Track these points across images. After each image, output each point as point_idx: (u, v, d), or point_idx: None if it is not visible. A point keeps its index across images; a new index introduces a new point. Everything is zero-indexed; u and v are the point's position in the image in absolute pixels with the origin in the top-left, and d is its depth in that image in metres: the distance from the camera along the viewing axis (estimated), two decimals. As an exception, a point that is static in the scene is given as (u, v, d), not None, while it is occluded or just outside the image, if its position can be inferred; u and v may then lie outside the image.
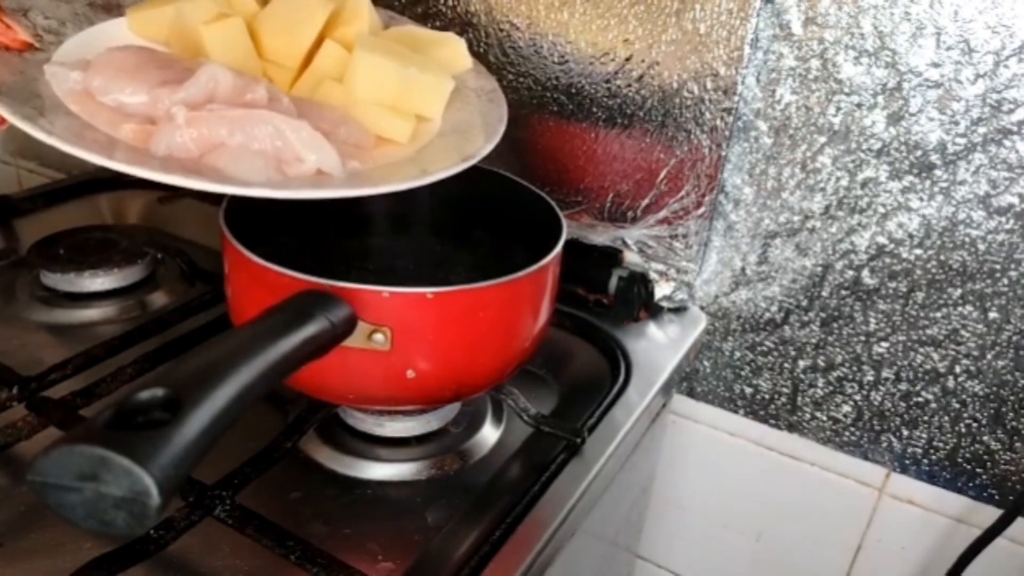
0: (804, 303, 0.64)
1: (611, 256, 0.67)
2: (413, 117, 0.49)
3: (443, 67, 0.52)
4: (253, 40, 0.48)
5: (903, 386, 0.63)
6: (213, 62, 0.43)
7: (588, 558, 0.60)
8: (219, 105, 0.40)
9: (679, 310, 0.68)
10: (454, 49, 0.55)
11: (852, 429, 0.67)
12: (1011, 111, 0.52)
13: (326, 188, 0.40)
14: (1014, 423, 0.60)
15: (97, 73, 0.43)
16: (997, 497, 0.62)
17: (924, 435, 0.64)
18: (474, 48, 0.67)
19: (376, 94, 0.48)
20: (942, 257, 0.58)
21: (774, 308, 0.66)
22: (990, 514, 0.60)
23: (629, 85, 0.62)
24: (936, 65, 0.53)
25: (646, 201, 0.65)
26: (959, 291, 0.58)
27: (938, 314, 0.59)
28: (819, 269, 0.63)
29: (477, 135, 0.50)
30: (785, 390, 0.68)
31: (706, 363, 0.71)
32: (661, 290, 0.67)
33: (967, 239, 0.56)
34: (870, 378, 0.64)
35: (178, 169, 0.38)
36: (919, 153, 0.56)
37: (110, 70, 0.43)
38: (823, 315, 0.64)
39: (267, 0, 0.50)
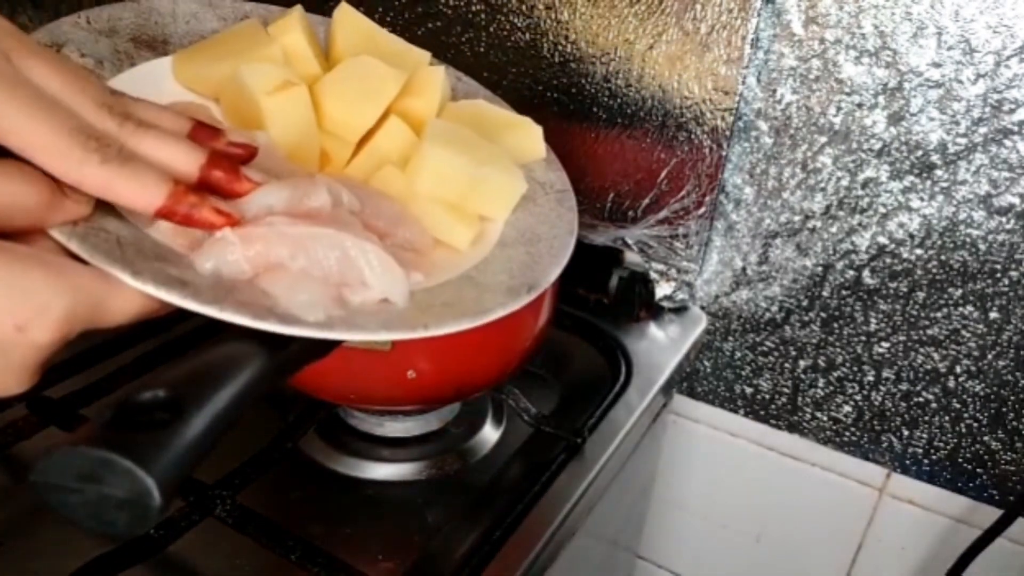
0: (805, 303, 0.64)
1: (611, 256, 0.67)
2: (477, 219, 0.43)
3: (514, 155, 0.46)
4: (315, 108, 0.42)
5: (904, 386, 0.63)
6: (275, 141, 0.38)
7: (588, 558, 0.60)
8: (279, 218, 0.34)
9: (680, 310, 0.68)
10: (529, 135, 0.49)
11: (853, 429, 0.67)
12: (1012, 111, 0.52)
13: (392, 330, 0.35)
14: (1014, 423, 0.60)
15: None
16: (997, 497, 0.62)
17: (925, 435, 0.64)
18: (474, 48, 0.67)
19: (441, 192, 0.41)
20: (943, 257, 0.58)
21: (775, 308, 0.66)
22: (990, 514, 0.60)
23: (629, 85, 0.62)
24: (937, 65, 0.53)
25: (646, 201, 0.65)
26: (960, 291, 0.58)
27: (939, 314, 0.59)
28: (820, 269, 0.63)
29: (543, 252, 0.43)
30: (786, 390, 0.68)
31: (706, 363, 0.71)
32: (662, 290, 0.67)
33: (968, 239, 0.56)
34: (871, 378, 0.64)
35: (225, 291, 0.32)
36: (920, 153, 0.56)
37: None
38: (824, 315, 0.64)
39: (332, 63, 0.45)
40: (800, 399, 0.68)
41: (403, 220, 0.40)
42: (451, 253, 0.42)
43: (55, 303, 0.26)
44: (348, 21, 0.46)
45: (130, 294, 0.29)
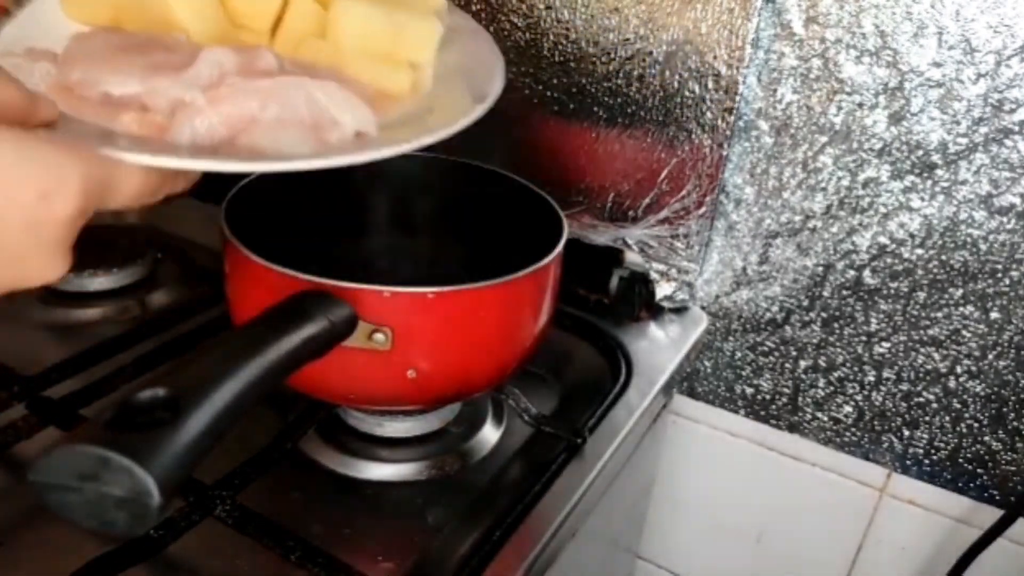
0: (805, 303, 0.64)
1: (612, 256, 0.67)
2: (408, 66, 0.45)
3: (419, 7, 0.48)
4: (222, 6, 0.43)
5: (904, 386, 0.63)
6: (196, 41, 0.39)
7: (589, 558, 0.60)
8: (239, 79, 0.36)
9: (680, 310, 0.68)
10: None
11: (853, 429, 0.66)
12: (1012, 111, 0.52)
13: (377, 148, 0.37)
14: (1015, 423, 0.60)
15: (72, 65, 0.38)
16: (998, 497, 0.62)
17: (925, 435, 0.64)
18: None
19: (366, 46, 0.44)
20: (943, 257, 0.58)
21: (775, 308, 0.66)
22: (991, 514, 0.60)
23: (630, 85, 0.62)
24: (938, 65, 0.53)
25: (647, 201, 0.65)
26: (960, 291, 0.58)
27: (939, 314, 0.59)
28: (820, 269, 0.63)
29: (480, 77, 0.45)
30: (786, 390, 0.68)
31: (707, 363, 0.71)
32: (662, 290, 0.67)
33: (968, 239, 0.56)
34: (871, 378, 0.64)
35: (211, 154, 0.34)
36: (920, 153, 0.56)
37: (86, 60, 0.38)
38: (824, 315, 0.64)
39: None
40: (801, 399, 0.68)
41: (343, 80, 0.41)
42: (397, 104, 0.44)
43: (72, 173, 0.28)
44: None
45: (131, 169, 0.31)
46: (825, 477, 0.69)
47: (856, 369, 0.64)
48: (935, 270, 0.58)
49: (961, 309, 0.58)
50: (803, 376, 0.67)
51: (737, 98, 0.58)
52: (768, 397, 0.69)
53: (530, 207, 0.57)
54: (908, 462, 0.65)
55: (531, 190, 0.57)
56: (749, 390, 0.70)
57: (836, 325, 0.64)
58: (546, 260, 0.48)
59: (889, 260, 0.60)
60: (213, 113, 0.35)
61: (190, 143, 0.35)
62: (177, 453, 0.26)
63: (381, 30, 0.44)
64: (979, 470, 0.62)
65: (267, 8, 0.45)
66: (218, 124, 0.35)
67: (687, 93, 0.60)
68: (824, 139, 0.59)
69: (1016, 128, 0.53)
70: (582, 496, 0.48)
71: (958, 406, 0.61)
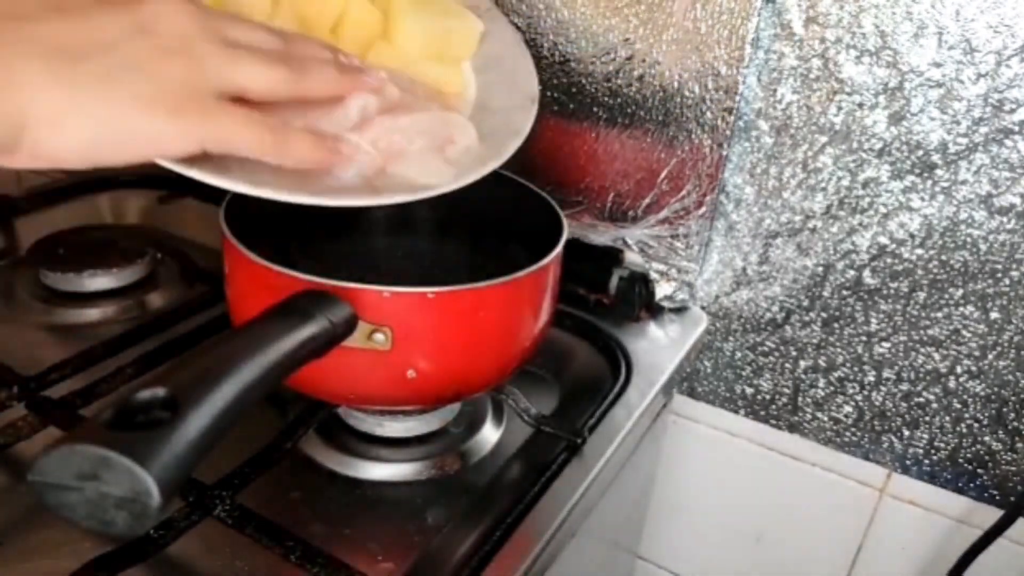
0: (805, 303, 0.64)
1: (612, 256, 0.67)
2: (459, 63, 0.51)
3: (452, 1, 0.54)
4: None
5: (904, 386, 0.63)
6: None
7: (588, 558, 0.60)
8: (384, 117, 0.41)
9: (680, 310, 0.68)
10: None
11: (853, 429, 0.66)
12: (1013, 111, 0.52)
13: (491, 162, 0.45)
14: (1015, 423, 0.60)
15: None
16: (998, 497, 0.62)
17: (925, 435, 0.64)
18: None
19: (425, 49, 0.49)
20: (943, 257, 0.58)
21: (775, 308, 0.66)
22: (991, 514, 0.60)
23: (630, 85, 0.62)
24: (938, 65, 0.53)
25: (647, 201, 0.65)
26: (960, 291, 0.58)
27: (939, 314, 0.59)
28: (820, 269, 0.63)
29: (510, 67, 0.52)
30: (786, 390, 0.68)
31: (707, 363, 0.71)
32: (662, 290, 0.67)
33: (969, 239, 0.56)
34: (871, 378, 0.64)
35: (372, 189, 0.40)
36: (920, 153, 0.56)
37: None
38: (824, 315, 0.64)
39: None
40: (800, 399, 0.68)
41: (414, 84, 0.47)
42: (447, 97, 0.49)
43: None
44: None
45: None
46: (825, 477, 0.69)
47: (856, 369, 0.64)
48: (935, 270, 0.58)
49: (961, 309, 0.58)
50: (803, 376, 0.67)
51: (737, 98, 0.58)
52: (768, 397, 0.69)
53: (530, 207, 0.57)
54: (908, 462, 0.65)
55: (531, 190, 0.57)
56: (749, 390, 0.70)
57: (836, 325, 0.64)
58: (546, 260, 0.48)
59: (889, 260, 0.60)
60: (376, 154, 0.40)
61: (355, 176, 0.40)
62: (177, 453, 0.26)
63: (438, 34, 0.49)
64: (979, 470, 0.62)
65: (330, 11, 0.48)
66: (377, 161, 0.41)
67: (687, 93, 0.60)
68: (824, 139, 0.59)
69: (1016, 128, 0.52)
70: (582, 496, 0.48)
71: (958, 406, 0.61)
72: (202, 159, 0.36)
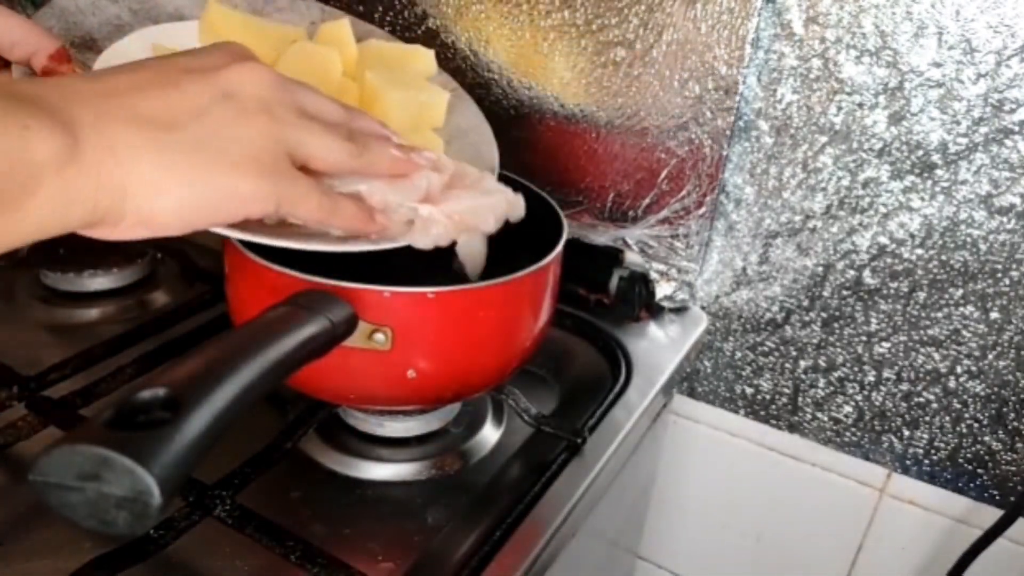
0: (805, 303, 0.64)
1: (612, 256, 0.67)
2: (432, 133, 0.53)
3: (421, 77, 0.57)
4: None
5: (904, 386, 0.63)
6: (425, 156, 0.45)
7: (589, 558, 0.60)
8: (453, 192, 0.44)
9: (680, 310, 0.68)
10: (424, 59, 0.57)
11: (853, 429, 0.66)
12: (1013, 111, 0.52)
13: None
14: (1015, 423, 0.60)
15: None
16: (998, 497, 0.62)
17: (925, 435, 0.64)
18: (473, 47, 0.67)
19: (403, 121, 0.50)
20: (943, 257, 0.58)
21: (775, 308, 0.66)
22: (991, 514, 0.60)
23: (630, 84, 0.62)
24: (938, 65, 0.53)
25: (647, 201, 0.65)
26: (960, 291, 0.58)
27: (939, 314, 0.59)
28: (820, 269, 0.63)
29: (474, 139, 0.54)
30: (786, 390, 0.68)
31: (707, 363, 0.71)
32: (662, 290, 0.67)
33: (968, 239, 0.56)
34: (871, 378, 0.64)
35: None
36: (920, 153, 0.56)
37: None
38: (824, 315, 0.64)
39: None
40: (800, 399, 0.68)
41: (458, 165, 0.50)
42: None
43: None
44: (220, 16, 0.51)
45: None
46: (825, 477, 0.69)
47: (856, 369, 0.64)
48: (935, 270, 0.58)
49: (961, 309, 0.58)
50: (803, 376, 0.67)
51: (737, 98, 0.58)
52: (768, 397, 0.69)
53: (530, 207, 0.57)
54: (908, 462, 0.65)
55: (531, 190, 0.57)
56: (749, 390, 0.70)
57: (836, 325, 0.64)
58: (546, 260, 0.48)
59: (889, 260, 0.60)
60: (451, 224, 0.43)
61: (430, 246, 0.43)
62: (177, 453, 0.26)
63: (414, 106, 0.51)
64: (979, 470, 0.62)
65: (316, 81, 0.50)
66: (451, 231, 0.43)
67: (687, 93, 0.60)
68: (824, 139, 0.59)
69: (1016, 128, 0.53)
70: (582, 496, 0.48)
71: (958, 406, 0.61)
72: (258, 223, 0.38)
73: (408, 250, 0.47)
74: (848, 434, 0.67)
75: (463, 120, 0.57)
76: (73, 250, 0.68)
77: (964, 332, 0.59)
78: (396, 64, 0.56)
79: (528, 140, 0.67)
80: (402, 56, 0.57)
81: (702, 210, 0.63)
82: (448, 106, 0.55)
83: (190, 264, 0.70)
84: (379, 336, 0.43)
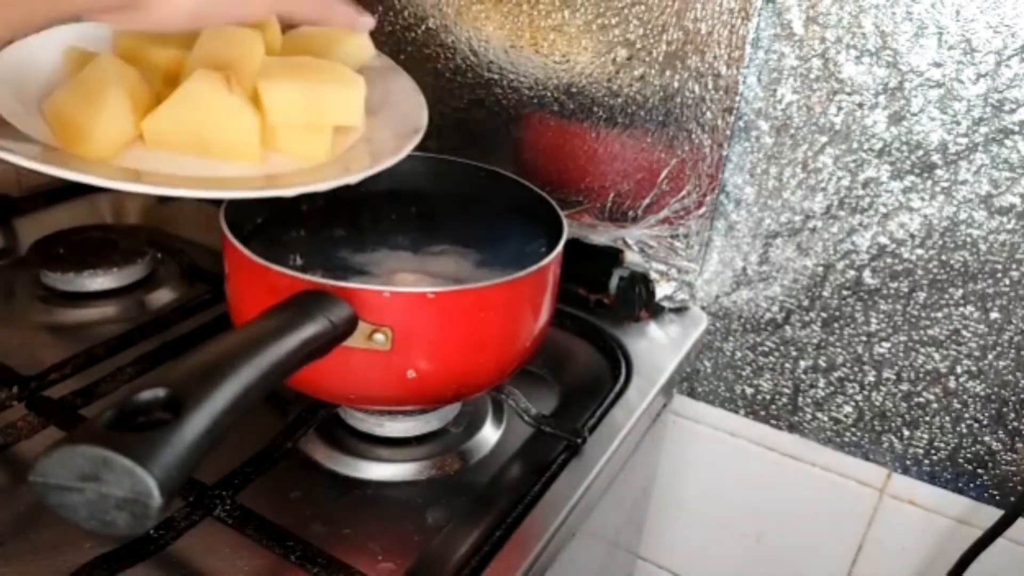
0: (805, 303, 0.64)
1: (612, 256, 0.67)
2: (331, 130, 0.49)
3: (350, 63, 0.53)
4: None
5: (904, 386, 0.63)
6: None
7: (588, 559, 0.60)
8: None
9: (680, 310, 0.68)
10: (357, 42, 0.55)
11: (853, 429, 0.66)
12: (1013, 111, 0.52)
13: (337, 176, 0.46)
14: (1015, 423, 0.60)
15: None
16: (998, 497, 0.62)
17: (925, 436, 0.64)
18: (473, 47, 0.67)
19: (289, 119, 0.48)
20: (943, 257, 0.58)
21: (775, 308, 0.66)
22: (991, 515, 0.60)
23: (630, 84, 0.62)
24: (938, 65, 0.53)
25: (647, 201, 0.65)
26: (960, 291, 0.58)
27: (939, 314, 0.59)
28: (820, 269, 0.63)
29: (404, 111, 0.54)
30: (786, 390, 0.68)
31: (707, 363, 0.71)
32: (662, 290, 0.67)
33: (968, 239, 0.56)
34: (871, 378, 0.64)
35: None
36: (920, 153, 0.56)
37: None
38: (824, 315, 0.64)
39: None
40: (800, 399, 0.68)
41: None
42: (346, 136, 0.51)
43: None
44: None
45: None
46: (825, 477, 0.69)
47: (856, 369, 0.64)
48: (935, 270, 0.58)
49: (961, 309, 0.58)
50: (803, 376, 0.67)
51: (737, 98, 0.58)
52: (768, 397, 0.69)
53: (530, 207, 0.57)
54: (908, 462, 0.65)
55: (531, 190, 0.57)
56: (749, 390, 0.70)
57: (836, 325, 0.64)
58: (546, 260, 0.48)
59: (889, 260, 0.60)
60: None
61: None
62: (178, 453, 0.26)
63: (303, 103, 0.48)
64: (979, 470, 0.62)
65: (237, 62, 0.50)
66: None
67: (687, 93, 0.60)
68: (824, 139, 0.59)
69: (1016, 128, 0.53)
70: (582, 496, 0.48)
71: (958, 406, 0.61)
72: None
73: (409, 249, 0.48)
74: (848, 434, 0.67)
75: (391, 94, 0.56)
76: (73, 250, 0.68)
77: (964, 332, 0.59)
78: (322, 50, 0.53)
79: (528, 140, 0.68)
80: (332, 40, 0.54)
81: (702, 210, 0.63)
82: (380, 79, 0.55)
83: (190, 264, 0.70)
84: (379, 336, 0.43)
